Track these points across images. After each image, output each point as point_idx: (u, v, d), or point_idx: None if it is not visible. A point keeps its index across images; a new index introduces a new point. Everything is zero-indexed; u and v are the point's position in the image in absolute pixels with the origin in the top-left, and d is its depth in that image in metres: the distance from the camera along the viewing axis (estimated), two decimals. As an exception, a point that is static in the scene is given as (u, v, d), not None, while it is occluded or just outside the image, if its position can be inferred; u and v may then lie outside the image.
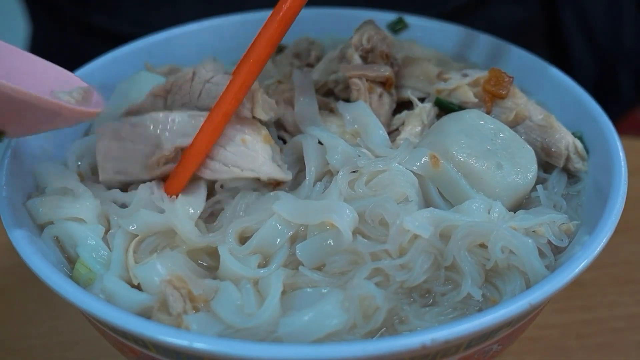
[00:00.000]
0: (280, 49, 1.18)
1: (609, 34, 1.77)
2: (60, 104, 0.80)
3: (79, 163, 0.95)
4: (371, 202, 0.83)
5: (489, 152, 0.90)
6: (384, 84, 1.01)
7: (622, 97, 1.78)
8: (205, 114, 0.88)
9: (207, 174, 0.89)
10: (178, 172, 0.88)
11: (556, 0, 1.80)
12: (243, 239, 0.85)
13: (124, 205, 0.89)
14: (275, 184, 0.90)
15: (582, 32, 1.78)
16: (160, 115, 0.90)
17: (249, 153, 0.90)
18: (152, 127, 0.89)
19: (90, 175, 0.94)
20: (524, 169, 0.90)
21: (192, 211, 0.87)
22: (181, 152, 0.89)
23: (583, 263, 0.77)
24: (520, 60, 1.12)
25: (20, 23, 1.99)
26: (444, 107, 1.00)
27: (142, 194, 0.87)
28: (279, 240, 0.83)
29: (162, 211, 0.86)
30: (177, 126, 0.89)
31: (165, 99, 0.93)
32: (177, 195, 0.88)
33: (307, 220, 0.83)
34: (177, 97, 0.93)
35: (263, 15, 1.23)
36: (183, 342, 0.70)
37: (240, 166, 0.89)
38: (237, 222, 0.85)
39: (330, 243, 0.82)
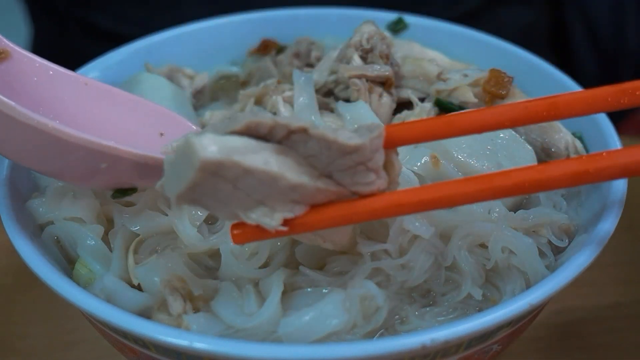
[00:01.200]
0: (280, 49, 1.19)
1: (612, 35, 1.77)
2: None
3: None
4: (371, 202, 0.83)
5: (489, 152, 0.90)
6: (384, 84, 1.01)
7: None
8: (340, 191, 0.71)
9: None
10: (260, 231, 0.70)
11: (561, 4, 1.80)
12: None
13: (128, 204, 0.89)
14: None
15: (587, 35, 1.78)
16: (288, 176, 0.68)
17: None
18: (266, 183, 0.68)
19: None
20: (524, 169, 0.90)
21: (200, 214, 0.87)
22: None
23: (583, 263, 0.77)
24: (520, 60, 1.12)
25: (21, 24, 1.99)
26: (444, 108, 1.00)
27: (150, 196, 0.87)
28: (280, 240, 0.83)
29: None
30: (297, 194, 0.69)
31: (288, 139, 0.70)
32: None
33: None
34: (303, 146, 0.70)
35: (263, 15, 1.23)
36: (183, 342, 0.70)
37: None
38: (239, 222, 0.85)
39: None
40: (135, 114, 0.92)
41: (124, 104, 0.93)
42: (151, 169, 0.82)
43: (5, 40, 0.91)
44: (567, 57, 1.73)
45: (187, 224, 0.85)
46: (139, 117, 0.91)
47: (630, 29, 1.77)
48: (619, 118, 1.66)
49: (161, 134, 0.90)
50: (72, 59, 1.13)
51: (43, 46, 1.81)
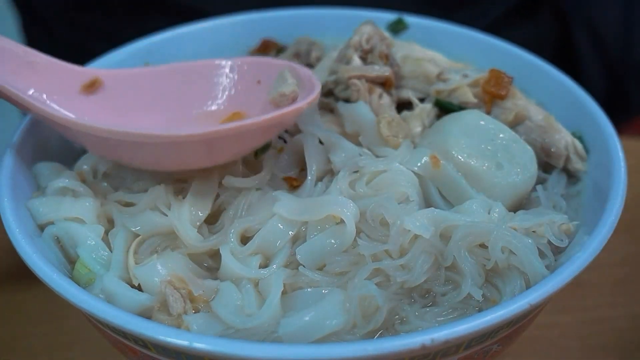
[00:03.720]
0: (280, 49, 1.19)
1: (620, 47, 1.78)
2: (299, 108, 0.86)
3: (85, 167, 0.95)
4: (372, 202, 0.83)
5: (489, 153, 0.90)
6: (384, 84, 1.01)
7: (630, 109, 1.79)
8: None
9: None
10: None
11: (568, 18, 1.81)
12: (245, 239, 0.85)
13: (128, 204, 0.89)
14: (291, 184, 0.90)
15: (594, 48, 1.79)
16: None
17: None
18: None
19: (91, 178, 0.94)
20: (524, 169, 0.90)
21: (200, 214, 0.87)
22: None
23: (583, 263, 0.77)
24: (520, 60, 1.12)
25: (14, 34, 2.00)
26: (444, 108, 1.00)
27: (150, 197, 0.87)
28: (280, 241, 0.83)
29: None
30: None
31: None
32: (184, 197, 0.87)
33: (309, 217, 0.83)
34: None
35: (263, 15, 1.23)
36: (183, 342, 0.70)
37: None
38: (239, 222, 0.85)
39: (330, 242, 0.82)
40: (230, 74, 0.96)
41: (213, 70, 0.96)
42: (274, 126, 0.85)
43: (92, 69, 0.95)
44: (573, 70, 1.75)
45: (187, 225, 0.85)
46: (233, 75, 0.95)
47: (637, 41, 1.77)
48: (621, 119, 1.66)
49: (258, 82, 0.93)
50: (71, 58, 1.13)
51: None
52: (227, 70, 0.96)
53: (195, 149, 0.83)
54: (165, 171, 0.88)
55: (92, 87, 0.94)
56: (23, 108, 0.88)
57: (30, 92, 0.90)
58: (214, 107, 0.95)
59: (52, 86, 0.92)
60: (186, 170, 0.88)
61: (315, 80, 0.90)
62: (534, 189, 0.92)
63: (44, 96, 0.91)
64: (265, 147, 0.91)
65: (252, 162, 0.93)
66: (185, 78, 0.96)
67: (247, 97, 0.94)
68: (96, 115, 0.92)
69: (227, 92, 0.95)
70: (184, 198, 0.87)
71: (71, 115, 0.89)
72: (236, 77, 0.95)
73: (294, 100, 0.89)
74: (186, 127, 0.84)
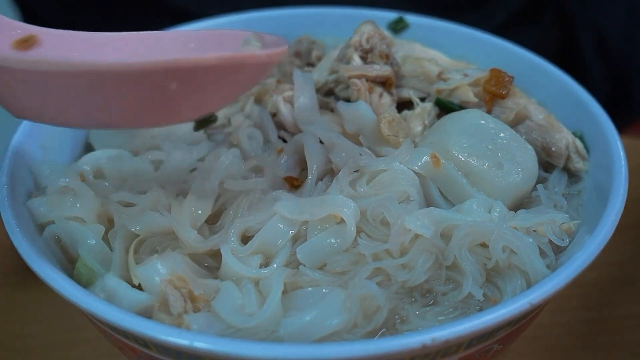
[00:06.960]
0: (280, 49, 1.18)
1: (623, 49, 1.77)
2: (265, 54, 0.75)
3: (86, 167, 0.94)
4: (372, 201, 0.83)
5: (489, 152, 0.90)
6: (384, 83, 1.01)
7: (633, 111, 1.79)
8: None
9: None
10: None
11: (572, 20, 1.80)
12: (245, 239, 0.85)
13: (129, 205, 0.89)
14: (292, 184, 0.90)
15: (597, 51, 1.78)
16: None
17: None
18: None
19: (92, 178, 0.94)
20: (524, 169, 0.90)
21: (201, 215, 0.87)
22: None
23: (583, 262, 0.77)
24: (521, 59, 1.12)
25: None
26: (445, 107, 1.00)
27: (151, 198, 0.87)
28: (280, 240, 0.83)
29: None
30: None
31: None
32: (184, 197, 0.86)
33: (310, 216, 0.83)
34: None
35: (263, 15, 1.23)
36: (184, 341, 0.70)
37: None
38: (240, 222, 0.85)
39: (331, 241, 0.82)
40: (191, 44, 0.84)
41: (173, 40, 0.84)
42: (229, 74, 0.73)
43: (29, 25, 0.84)
44: (576, 72, 1.75)
45: (187, 227, 0.85)
46: (195, 46, 0.84)
47: None
48: (625, 122, 1.66)
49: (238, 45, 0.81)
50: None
51: None
52: (187, 40, 0.84)
53: (129, 90, 0.71)
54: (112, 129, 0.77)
55: (25, 43, 0.82)
56: None
57: None
58: None
59: None
60: (135, 126, 0.77)
61: (283, 43, 0.79)
62: (534, 188, 0.92)
63: None
64: (208, 120, 0.79)
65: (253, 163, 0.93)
66: (140, 46, 0.84)
67: None
68: None
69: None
70: (184, 199, 0.87)
71: None
72: (198, 47, 0.83)
73: None
74: None
